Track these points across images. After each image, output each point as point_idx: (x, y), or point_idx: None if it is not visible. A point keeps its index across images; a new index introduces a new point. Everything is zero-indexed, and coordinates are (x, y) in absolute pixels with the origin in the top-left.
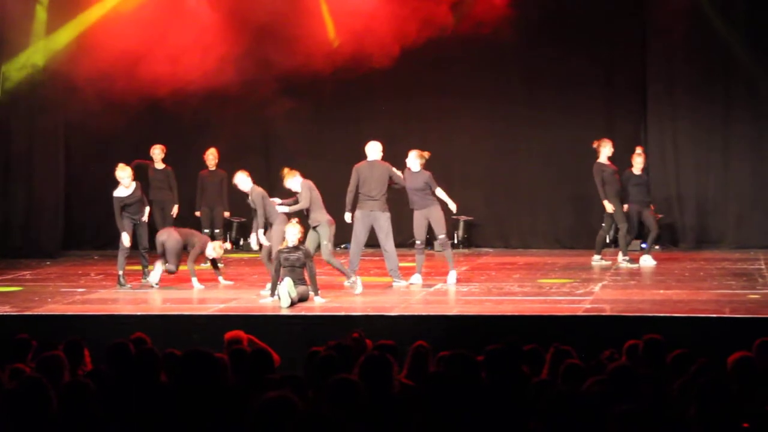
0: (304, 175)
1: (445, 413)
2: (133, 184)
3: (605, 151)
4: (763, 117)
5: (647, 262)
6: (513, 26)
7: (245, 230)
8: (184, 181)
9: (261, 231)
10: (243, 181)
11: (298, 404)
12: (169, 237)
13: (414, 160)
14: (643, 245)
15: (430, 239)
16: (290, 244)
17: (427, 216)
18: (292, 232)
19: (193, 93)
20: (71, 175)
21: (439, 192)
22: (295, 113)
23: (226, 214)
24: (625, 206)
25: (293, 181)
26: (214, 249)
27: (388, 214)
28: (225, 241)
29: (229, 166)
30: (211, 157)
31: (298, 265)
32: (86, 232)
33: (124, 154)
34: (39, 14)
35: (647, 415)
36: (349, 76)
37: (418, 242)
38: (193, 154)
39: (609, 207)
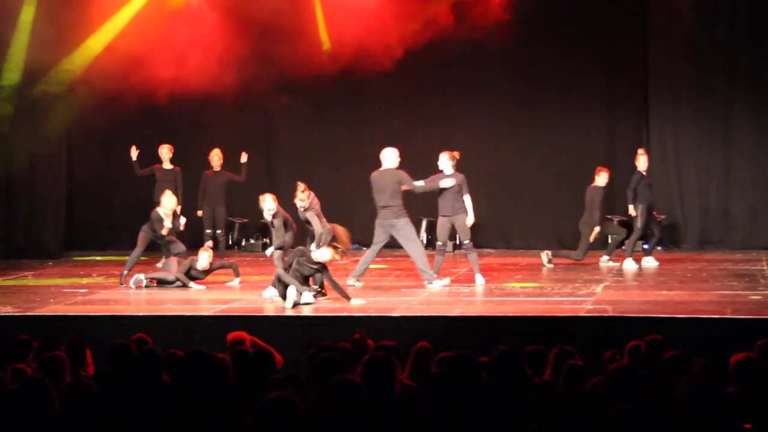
0: (306, 179)
1: (446, 414)
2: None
3: (600, 179)
4: (765, 117)
5: (650, 263)
6: (514, 27)
7: (247, 231)
8: (184, 182)
9: (276, 251)
10: (270, 203)
11: (300, 404)
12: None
13: (446, 162)
14: (645, 246)
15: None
16: (312, 257)
17: (453, 222)
18: (326, 253)
19: (194, 93)
20: (73, 176)
21: (467, 199)
22: (296, 114)
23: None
24: (637, 208)
25: (301, 199)
26: (207, 258)
27: (404, 219)
28: (214, 243)
29: (229, 166)
30: (216, 157)
31: (307, 274)
32: (88, 232)
33: (127, 155)
34: (25, 13)
35: (646, 414)
36: (351, 77)
37: (439, 243)
38: (194, 155)
39: (594, 232)
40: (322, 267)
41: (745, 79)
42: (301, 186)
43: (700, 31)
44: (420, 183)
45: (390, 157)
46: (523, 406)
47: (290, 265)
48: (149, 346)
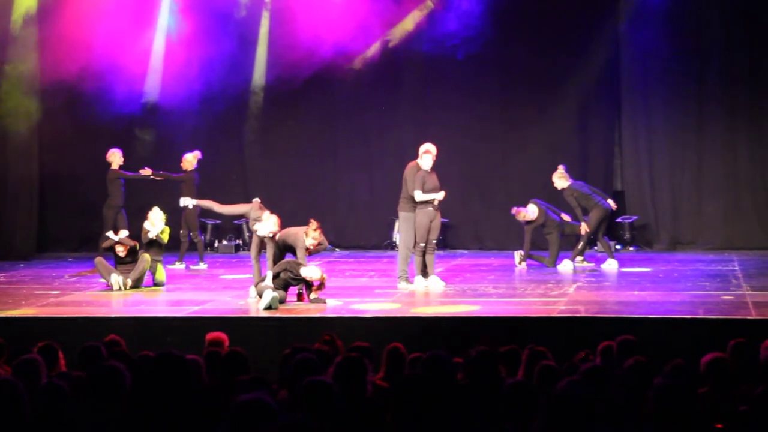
0: (278, 179)
1: (418, 415)
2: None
3: (531, 214)
4: (736, 117)
5: (567, 267)
6: (488, 28)
7: (220, 233)
8: (165, 184)
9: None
10: (266, 220)
11: (274, 406)
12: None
13: (429, 161)
14: (619, 246)
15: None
16: (302, 275)
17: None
18: (314, 271)
19: (171, 96)
20: (45, 177)
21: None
22: (269, 113)
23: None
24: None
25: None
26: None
27: (405, 215)
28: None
29: (204, 171)
30: (189, 161)
31: (290, 285)
32: (61, 234)
33: (100, 157)
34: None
35: (617, 414)
36: (326, 76)
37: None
38: (171, 159)
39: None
40: (306, 283)
41: (716, 80)
42: (313, 225)
43: (673, 31)
44: (418, 192)
45: (420, 151)
46: (496, 406)
47: (278, 275)
48: (120, 348)
